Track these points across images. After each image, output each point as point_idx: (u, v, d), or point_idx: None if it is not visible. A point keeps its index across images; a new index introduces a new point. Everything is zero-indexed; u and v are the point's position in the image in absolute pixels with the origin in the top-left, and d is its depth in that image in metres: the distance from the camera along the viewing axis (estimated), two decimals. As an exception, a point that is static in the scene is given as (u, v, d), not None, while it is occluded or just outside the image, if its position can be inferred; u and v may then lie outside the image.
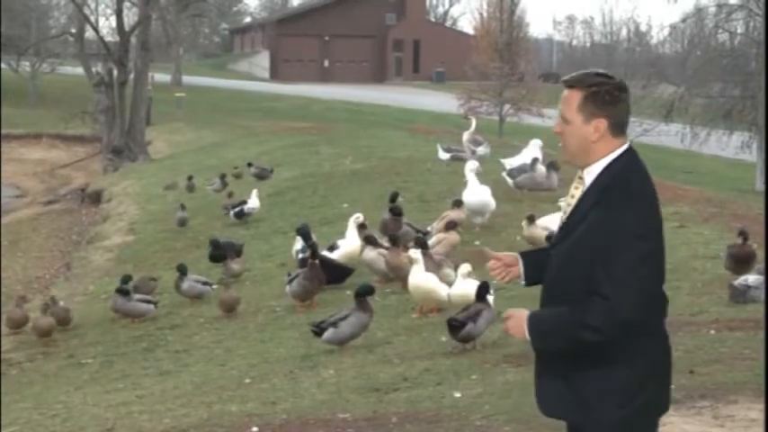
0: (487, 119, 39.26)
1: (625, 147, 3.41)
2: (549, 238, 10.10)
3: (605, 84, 3.38)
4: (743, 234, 10.16)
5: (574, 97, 3.39)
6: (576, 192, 3.45)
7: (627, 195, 3.29)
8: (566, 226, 3.46)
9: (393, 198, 13.96)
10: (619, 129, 3.40)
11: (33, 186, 34.78)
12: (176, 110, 46.34)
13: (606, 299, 3.24)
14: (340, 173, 21.87)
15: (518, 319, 3.44)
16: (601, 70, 3.46)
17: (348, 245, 12.45)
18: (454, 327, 8.54)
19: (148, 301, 12.52)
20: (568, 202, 3.49)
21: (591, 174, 3.40)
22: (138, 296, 12.53)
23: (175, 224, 18.65)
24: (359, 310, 9.35)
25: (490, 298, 9.01)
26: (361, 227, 13.13)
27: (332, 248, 12.57)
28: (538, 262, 3.66)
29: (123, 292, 12.29)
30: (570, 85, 3.42)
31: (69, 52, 48.79)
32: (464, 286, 9.55)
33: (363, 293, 9.44)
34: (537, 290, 3.66)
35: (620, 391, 3.32)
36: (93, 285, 15.89)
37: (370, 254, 11.81)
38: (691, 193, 17.27)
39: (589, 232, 3.31)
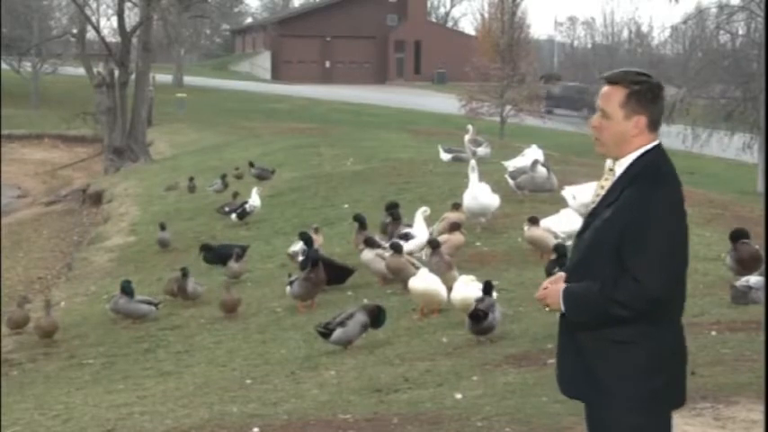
0: (489, 120, 39.27)
1: (656, 142, 3.56)
2: (557, 247, 10.03)
3: (647, 82, 3.53)
4: (740, 235, 10.07)
5: (616, 94, 3.53)
6: (606, 183, 3.59)
7: (658, 181, 3.45)
8: (594, 212, 3.59)
9: (390, 207, 13.79)
10: (654, 125, 3.56)
11: (35, 187, 34.80)
12: (177, 111, 46.34)
13: (636, 276, 3.38)
14: (341, 174, 21.88)
15: (555, 291, 3.57)
16: (641, 69, 3.61)
17: (422, 236, 12.35)
18: (479, 317, 8.60)
19: (149, 302, 12.51)
20: (598, 192, 3.62)
21: (622, 165, 3.55)
22: (139, 297, 12.53)
23: (157, 246, 17.47)
24: (363, 309, 9.42)
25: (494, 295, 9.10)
26: (362, 227, 13.14)
27: (406, 237, 12.46)
28: None
29: (127, 292, 12.29)
30: (613, 81, 3.56)
31: (71, 53, 48.70)
32: (465, 289, 9.56)
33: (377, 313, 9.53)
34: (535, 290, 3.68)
35: (636, 375, 3.44)
36: (94, 286, 15.89)
37: (368, 255, 11.83)
38: (692, 195, 17.26)
39: (619, 213, 3.45)
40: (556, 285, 3.60)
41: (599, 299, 3.43)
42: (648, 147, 3.53)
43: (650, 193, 3.41)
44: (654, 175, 3.45)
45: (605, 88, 3.56)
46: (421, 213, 12.72)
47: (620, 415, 3.46)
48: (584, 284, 3.53)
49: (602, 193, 3.58)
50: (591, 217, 3.59)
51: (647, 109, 3.51)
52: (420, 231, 12.44)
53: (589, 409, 3.58)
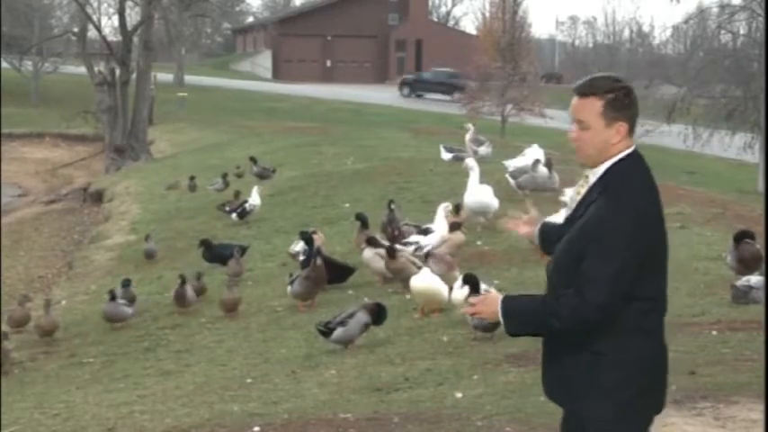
0: (489, 119, 39.25)
1: (630, 150, 3.52)
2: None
3: (620, 88, 3.51)
4: (744, 235, 10.07)
5: (593, 104, 3.50)
6: (582, 190, 3.57)
7: (622, 196, 3.41)
8: (569, 220, 3.58)
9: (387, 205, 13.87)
10: (633, 130, 3.55)
11: (35, 186, 34.80)
12: (178, 109, 46.33)
13: (578, 292, 3.37)
14: (342, 173, 21.88)
15: (491, 303, 3.55)
16: (608, 74, 3.59)
17: (442, 230, 12.33)
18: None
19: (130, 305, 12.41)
20: (573, 198, 3.62)
21: (595, 174, 3.52)
22: (121, 301, 12.39)
23: (143, 256, 16.94)
24: (364, 308, 9.43)
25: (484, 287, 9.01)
26: (364, 226, 13.14)
27: (426, 232, 12.48)
28: (552, 233, 3.79)
29: (112, 295, 12.20)
30: (586, 93, 3.51)
31: (72, 52, 48.71)
32: (465, 289, 9.54)
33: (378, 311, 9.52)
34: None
35: (607, 387, 3.43)
36: (94, 285, 15.88)
37: (368, 253, 11.84)
38: (693, 194, 17.26)
39: (582, 228, 3.44)
40: (491, 297, 3.59)
41: (539, 311, 3.44)
42: (623, 155, 3.50)
43: (608, 213, 3.38)
44: (620, 188, 3.42)
45: (578, 100, 3.51)
46: (443, 209, 12.76)
47: (593, 423, 3.45)
48: (527, 295, 3.57)
49: (579, 199, 3.56)
50: (566, 225, 3.58)
51: (625, 114, 3.49)
52: (441, 227, 12.47)
53: (566, 414, 3.58)
